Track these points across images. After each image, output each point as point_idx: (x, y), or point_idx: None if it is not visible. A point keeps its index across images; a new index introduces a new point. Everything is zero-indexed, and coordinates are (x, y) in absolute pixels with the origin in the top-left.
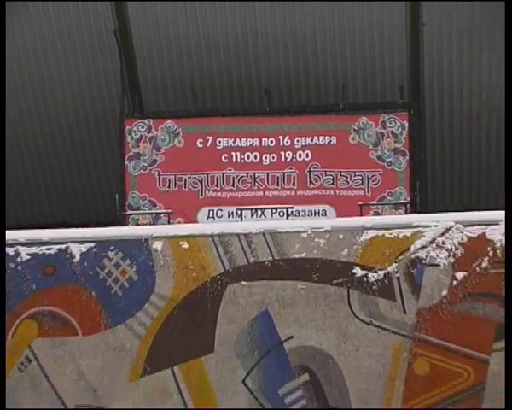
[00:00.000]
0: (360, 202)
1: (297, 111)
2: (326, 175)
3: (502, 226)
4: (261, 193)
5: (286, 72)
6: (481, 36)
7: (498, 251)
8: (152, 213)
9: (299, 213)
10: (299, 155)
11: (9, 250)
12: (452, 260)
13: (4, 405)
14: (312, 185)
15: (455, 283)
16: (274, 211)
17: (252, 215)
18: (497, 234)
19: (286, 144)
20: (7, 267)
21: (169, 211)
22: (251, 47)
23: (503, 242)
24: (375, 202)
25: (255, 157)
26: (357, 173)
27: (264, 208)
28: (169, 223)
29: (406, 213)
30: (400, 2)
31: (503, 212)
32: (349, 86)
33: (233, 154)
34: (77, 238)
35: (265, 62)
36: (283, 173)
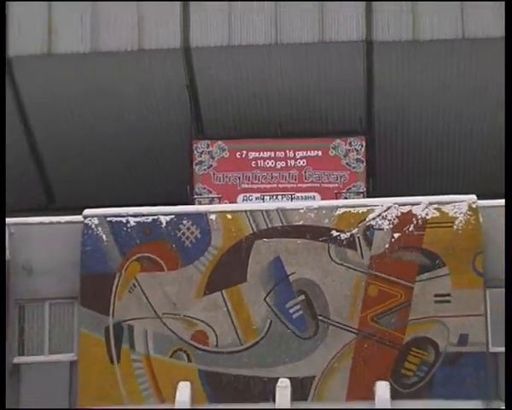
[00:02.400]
0: (336, 191)
1: (297, 135)
2: (315, 175)
3: (422, 206)
4: (275, 185)
5: (290, 112)
6: (415, 90)
7: (420, 221)
8: (209, 198)
9: (298, 197)
10: (299, 162)
11: (123, 219)
12: (391, 226)
13: (4, 405)
14: (306, 181)
15: (393, 240)
16: (283, 196)
17: (270, 199)
18: (419, 211)
19: (290, 156)
20: (121, 230)
21: (219, 196)
22: (270, 96)
23: (423, 215)
24: (344, 191)
25: (272, 163)
26: (334, 173)
27: (277, 195)
28: (219, 203)
29: (363, 198)
30: (359, 70)
31: (423, 197)
32: (329, 120)
33: (258, 161)
34: (164, 212)
35: (278, 106)
36: (289, 173)
